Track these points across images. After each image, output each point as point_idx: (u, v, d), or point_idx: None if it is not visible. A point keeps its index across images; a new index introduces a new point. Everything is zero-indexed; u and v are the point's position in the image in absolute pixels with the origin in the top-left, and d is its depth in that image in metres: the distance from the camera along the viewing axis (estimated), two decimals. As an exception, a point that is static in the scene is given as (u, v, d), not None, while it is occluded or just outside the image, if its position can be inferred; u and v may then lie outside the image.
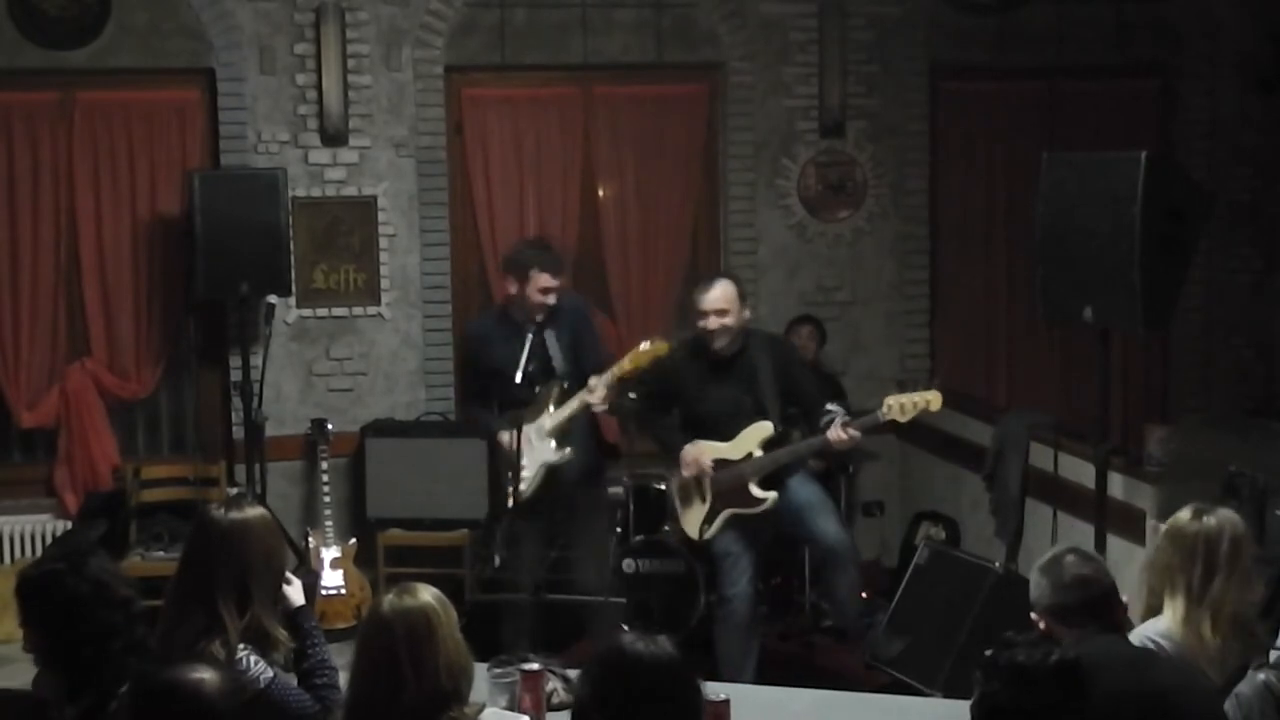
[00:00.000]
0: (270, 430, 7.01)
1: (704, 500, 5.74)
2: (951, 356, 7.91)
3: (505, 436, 5.74)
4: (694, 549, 6.05)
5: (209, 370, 7.42)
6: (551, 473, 5.89)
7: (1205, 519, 3.78)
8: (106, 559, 3.69)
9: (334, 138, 7.28)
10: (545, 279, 5.83)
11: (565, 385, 5.89)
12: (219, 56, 7.21)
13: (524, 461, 5.69)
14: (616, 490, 7.10)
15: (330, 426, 7.20)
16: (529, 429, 5.79)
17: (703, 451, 5.67)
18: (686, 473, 5.72)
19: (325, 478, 7.10)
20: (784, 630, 6.60)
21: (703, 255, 7.80)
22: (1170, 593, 3.73)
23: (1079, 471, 5.91)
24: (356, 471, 7.30)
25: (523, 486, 5.74)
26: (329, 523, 7.04)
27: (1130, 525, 5.62)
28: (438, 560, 6.96)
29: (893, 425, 5.68)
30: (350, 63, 7.27)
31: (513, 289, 5.91)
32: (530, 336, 5.82)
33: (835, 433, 5.46)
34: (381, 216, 7.38)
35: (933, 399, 5.41)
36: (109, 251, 7.19)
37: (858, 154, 7.80)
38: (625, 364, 5.74)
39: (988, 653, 2.93)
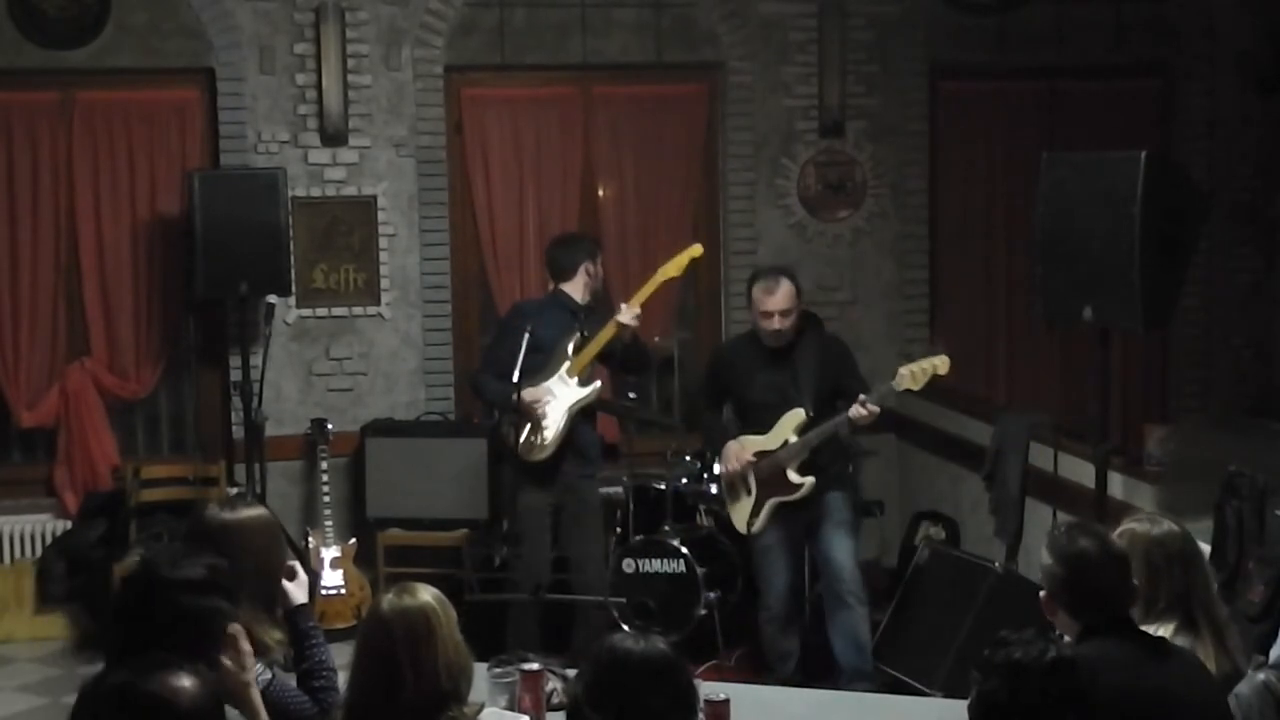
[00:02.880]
0: (270, 430, 7.01)
1: (750, 493, 5.88)
2: (952, 356, 7.90)
3: (526, 392, 5.91)
4: (740, 543, 6.28)
5: (209, 370, 7.42)
6: (572, 420, 6.05)
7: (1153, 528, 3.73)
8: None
9: (334, 138, 7.28)
10: (596, 265, 6.30)
11: (584, 333, 6.07)
12: (219, 56, 7.21)
13: (547, 418, 5.98)
14: (616, 490, 7.11)
15: (330, 426, 7.20)
16: (550, 383, 6.04)
17: (743, 446, 5.85)
18: (728, 468, 5.90)
19: (325, 478, 7.10)
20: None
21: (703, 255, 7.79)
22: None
23: (1079, 471, 5.91)
24: (356, 471, 7.30)
25: (548, 437, 6.01)
26: (329, 523, 7.04)
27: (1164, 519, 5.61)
28: (438, 560, 6.96)
29: (900, 421, 5.92)
30: (350, 63, 7.27)
31: (592, 269, 6.24)
32: (581, 328, 6.09)
33: (856, 410, 5.60)
34: (381, 216, 7.38)
35: (940, 363, 5.58)
36: (109, 251, 7.19)
37: (857, 154, 7.80)
38: (662, 274, 6.05)
39: (985, 652, 2.93)
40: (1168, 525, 3.73)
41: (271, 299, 7.08)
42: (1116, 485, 5.70)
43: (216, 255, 6.75)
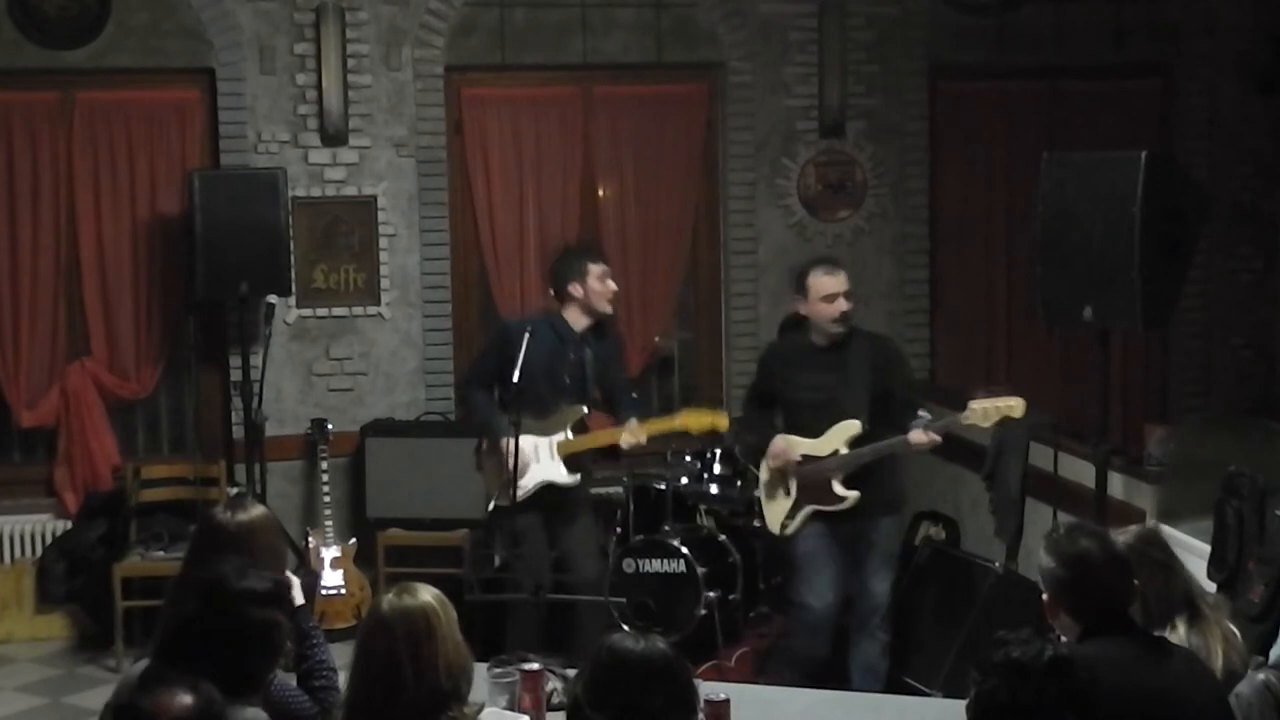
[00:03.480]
0: (270, 430, 7.01)
1: (788, 494, 5.71)
2: (951, 356, 7.92)
3: (508, 444, 5.66)
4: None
5: (209, 370, 7.42)
6: (547, 488, 5.92)
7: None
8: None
9: (334, 138, 7.28)
10: (600, 267, 5.92)
11: (587, 413, 5.92)
12: (219, 56, 7.21)
13: (522, 477, 5.72)
14: (616, 490, 7.11)
15: (330, 426, 7.20)
16: (540, 441, 5.84)
17: (790, 445, 5.66)
18: (773, 464, 5.71)
19: (325, 478, 7.10)
20: (784, 630, 6.59)
21: (703, 255, 7.80)
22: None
23: (1079, 471, 5.91)
24: (356, 471, 7.30)
25: (518, 494, 5.72)
26: (329, 523, 7.04)
27: (1130, 525, 5.61)
28: (438, 560, 6.96)
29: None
30: (350, 63, 7.27)
31: (577, 291, 5.89)
32: (572, 354, 5.87)
33: (917, 435, 5.42)
34: (381, 216, 7.38)
35: (1015, 405, 5.35)
36: (109, 251, 7.19)
37: (858, 154, 7.80)
38: (681, 422, 5.84)
39: (985, 651, 2.93)
40: (1135, 531, 3.76)
41: (272, 299, 7.08)
42: (1116, 485, 5.70)
43: (217, 255, 6.74)
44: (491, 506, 6.01)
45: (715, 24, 7.64)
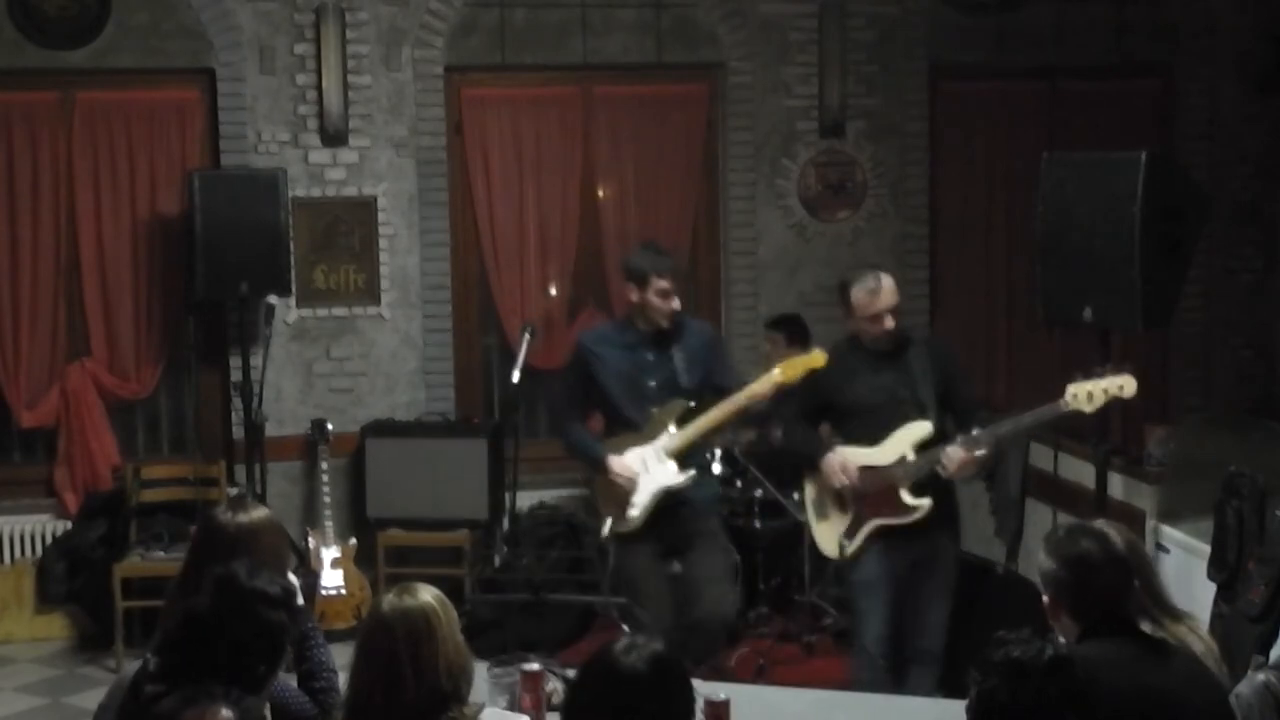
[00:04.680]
0: (270, 430, 7.01)
1: (844, 510, 5.19)
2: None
3: (615, 462, 5.31)
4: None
5: (209, 370, 7.42)
6: (665, 497, 5.36)
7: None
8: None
9: (334, 138, 7.28)
10: (662, 282, 5.38)
11: (691, 405, 5.36)
12: (219, 56, 7.21)
13: (635, 494, 5.29)
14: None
15: (330, 426, 7.20)
16: (645, 450, 5.35)
17: (848, 457, 5.16)
18: (835, 482, 5.15)
19: (325, 478, 7.10)
20: (784, 630, 6.60)
21: (703, 255, 7.80)
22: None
23: (1079, 471, 5.92)
24: (356, 471, 7.30)
25: (635, 513, 5.29)
26: (329, 523, 7.04)
27: (1130, 525, 5.60)
28: (438, 560, 6.97)
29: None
30: (350, 63, 7.27)
31: (633, 296, 5.43)
32: (651, 355, 5.41)
33: (955, 452, 4.94)
34: (381, 216, 7.38)
35: (1125, 383, 4.80)
36: (109, 251, 7.20)
37: (858, 154, 7.80)
38: (780, 374, 5.22)
39: (985, 651, 2.93)
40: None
41: (272, 299, 7.09)
42: (1116, 485, 5.71)
43: (217, 255, 6.75)
44: (606, 532, 5.46)
45: (715, 24, 7.64)
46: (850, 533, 5.15)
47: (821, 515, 5.32)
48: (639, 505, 5.32)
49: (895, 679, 5.19)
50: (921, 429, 5.08)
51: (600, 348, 5.48)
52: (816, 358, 5.20)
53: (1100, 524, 3.59)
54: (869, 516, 5.13)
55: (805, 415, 5.38)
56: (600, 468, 5.38)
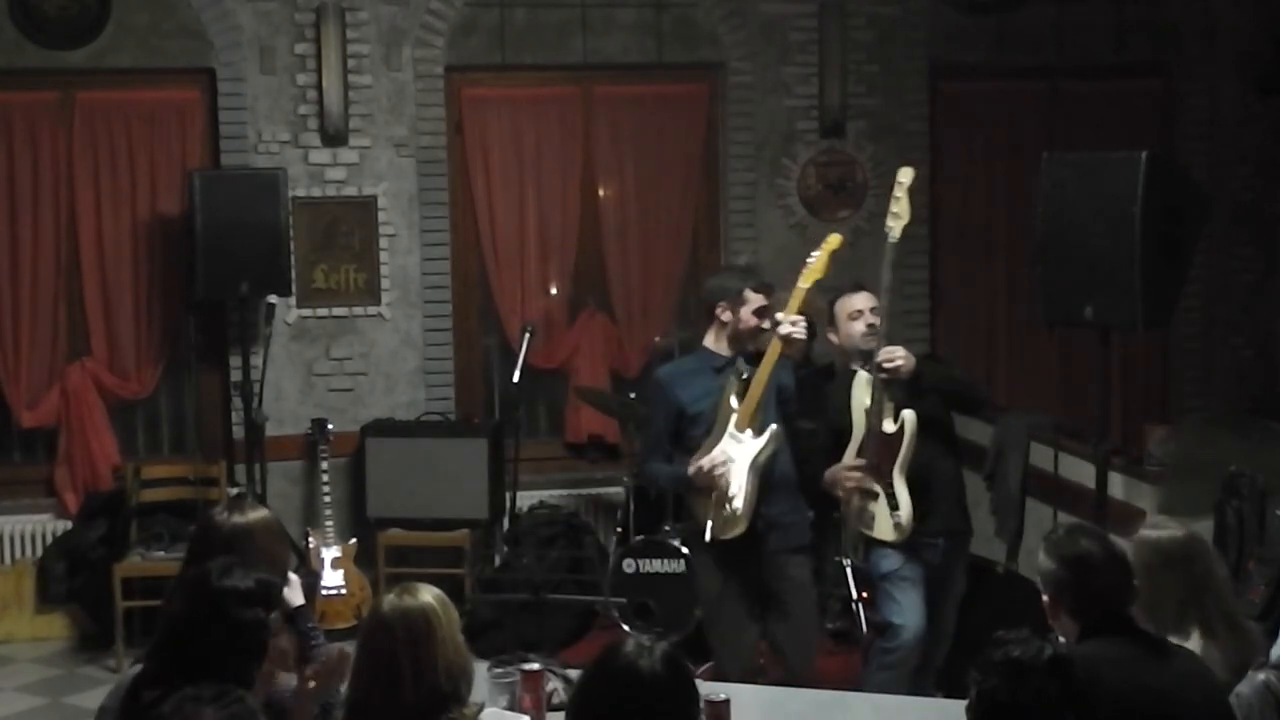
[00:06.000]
0: (270, 430, 7.01)
1: (874, 497, 5.10)
2: (952, 356, 7.90)
3: (701, 462, 5.07)
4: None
5: (209, 370, 7.42)
6: (761, 482, 5.08)
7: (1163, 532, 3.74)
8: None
9: (334, 138, 7.28)
10: (759, 299, 5.19)
11: (745, 376, 5.09)
12: (219, 56, 7.21)
13: (731, 485, 5.04)
14: (616, 490, 7.11)
15: (330, 426, 7.20)
16: (722, 445, 5.07)
17: (840, 465, 5.14)
18: (850, 485, 5.11)
19: (325, 478, 7.10)
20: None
21: (703, 255, 7.80)
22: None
23: (1079, 471, 5.92)
24: (356, 471, 7.30)
25: (738, 502, 5.04)
26: (329, 523, 7.04)
27: (1130, 525, 5.59)
28: (438, 560, 6.97)
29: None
30: (350, 63, 7.27)
31: (724, 316, 5.20)
32: (740, 373, 5.12)
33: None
34: (381, 216, 7.38)
35: (902, 173, 4.99)
36: (109, 251, 7.20)
37: (858, 154, 7.80)
38: (816, 270, 5.06)
39: (985, 651, 2.93)
40: (1171, 530, 3.74)
41: (272, 299, 7.09)
42: (1117, 485, 5.71)
43: (217, 255, 6.75)
44: (709, 537, 5.12)
45: (715, 24, 7.64)
46: (893, 504, 5.06)
47: (866, 519, 5.15)
48: (738, 493, 5.05)
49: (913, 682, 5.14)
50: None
51: (685, 381, 5.24)
52: (833, 240, 5.16)
53: (1174, 528, 3.65)
54: (889, 478, 5.05)
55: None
56: (688, 482, 5.15)
